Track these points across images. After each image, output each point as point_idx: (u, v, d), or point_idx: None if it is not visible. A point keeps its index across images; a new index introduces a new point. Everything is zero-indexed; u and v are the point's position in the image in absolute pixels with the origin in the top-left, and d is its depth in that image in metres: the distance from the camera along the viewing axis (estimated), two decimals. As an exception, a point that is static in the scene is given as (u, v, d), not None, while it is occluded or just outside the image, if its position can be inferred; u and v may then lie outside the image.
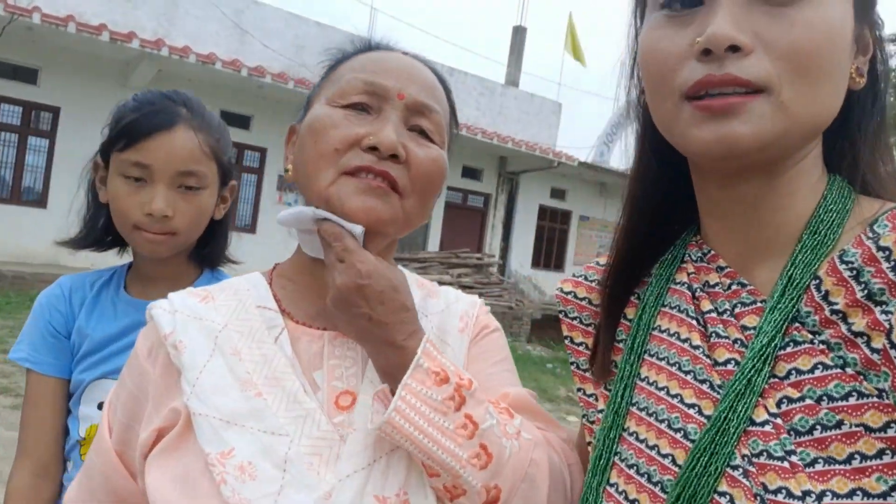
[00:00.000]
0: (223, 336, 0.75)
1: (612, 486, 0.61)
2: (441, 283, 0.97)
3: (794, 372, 0.52)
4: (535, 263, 16.84)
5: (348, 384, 0.74)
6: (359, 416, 0.72)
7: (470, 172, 15.62)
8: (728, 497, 0.51)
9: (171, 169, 1.03)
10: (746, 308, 0.58)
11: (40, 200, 10.31)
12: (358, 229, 0.72)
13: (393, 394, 0.68)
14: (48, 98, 10.33)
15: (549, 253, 17.24)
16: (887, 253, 0.50)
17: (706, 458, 0.53)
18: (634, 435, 0.60)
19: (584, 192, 17.36)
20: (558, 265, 17.20)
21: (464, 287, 13.20)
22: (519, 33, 17.17)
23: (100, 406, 1.08)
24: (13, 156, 10.36)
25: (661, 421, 0.58)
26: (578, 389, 0.76)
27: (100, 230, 1.17)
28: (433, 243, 15.00)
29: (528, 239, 16.66)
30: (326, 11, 21.83)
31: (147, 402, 0.75)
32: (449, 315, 0.85)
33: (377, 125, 0.74)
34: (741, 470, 0.51)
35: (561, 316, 0.79)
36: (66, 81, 10.28)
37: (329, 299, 0.72)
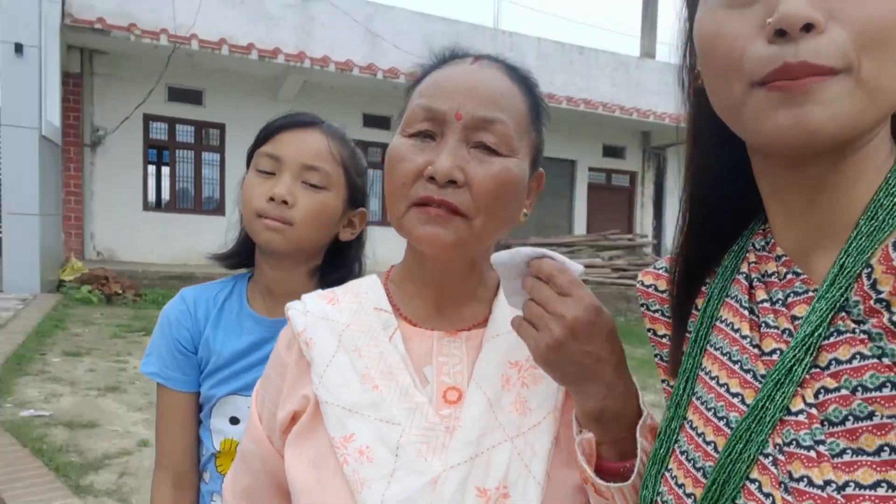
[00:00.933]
0: (346, 334, 0.84)
1: (668, 471, 0.62)
2: (592, 266, 0.99)
3: (833, 362, 0.51)
4: (691, 240, 15.91)
5: (455, 380, 0.81)
6: (465, 411, 0.78)
7: (611, 151, 15.21)
8: (757, 484, 0.52)
9: (298, 161, 1.08)
10: (798, 297, 0.57)
11: (218, 209, 11.62)
12: (578, 268, 0.71)
13: (598, 443, 0.71)
14: (214, 116, 11.62)
15: (706, 228, 16.20)
16: None
17: (741, 446, 0.54)
18: (690, 423, 0.61)
19: (739, 161, 16.15)
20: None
21: (617, 269, 12.99)
22: (650, 3, 16.43)
23: (232, 420, 1.14)
24: (191, 170, 11.85)
25: (710, 409, 0.59)
26: (663, 381, 0.76)
27: (239, 245, 1.23)
28: (579, 226, 14.77)
29: (682, 215, 15.78)
30: (454, 4, 22.34)
31: (284, 388, 0.85)
32: None
33: (436, 152, 0.77)
34: (771, 458, 0.52)
35: (643, 309, 0.78)
36: (227, 99, 11.48)
37: (552, 338, 0.68)
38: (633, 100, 14.56)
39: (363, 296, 0.88)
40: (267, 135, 1.12)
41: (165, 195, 12.36)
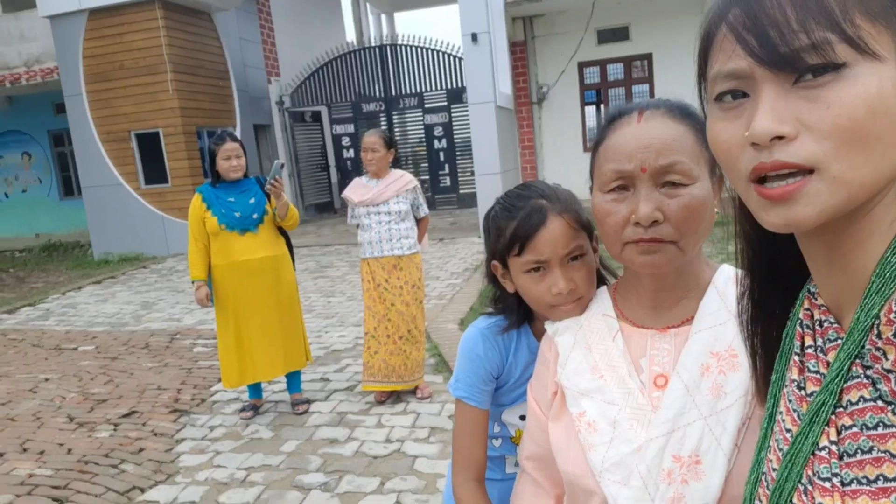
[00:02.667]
0: (580, 334, 1.08)
1: (756, 493, 0.69)
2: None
3: (848, 403, 0.57)
4: None
5: (664, 369, 0.99)
6: (667, 395, 0.96)
7: None
8: None
9: (559, 254, 1.17)
10: (832, 344, 0.62)
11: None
12: None
13: None
14: (641, 48, 12.01)
15: None
16: None
17: (785, 475, 0.61)
18: (768, 451, 0.68)
19: None
20: None
21: None
22: None
23: (522, 417, 1.35)
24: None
25: (776, 442, 0.66)
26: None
27: (517, 310, 1.34)
28: None
29: None
30: None
31: (549, 376, 1.12)
32: None
33: (635, 201, 0.93)
34: (804, 488, 0.59)
35: None
36: (653, 28, 11.73)
37: None
38: None
39: (594, 304, 1.13)
40: (521, 245, 1.20)
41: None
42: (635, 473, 0.94)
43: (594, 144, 1.04)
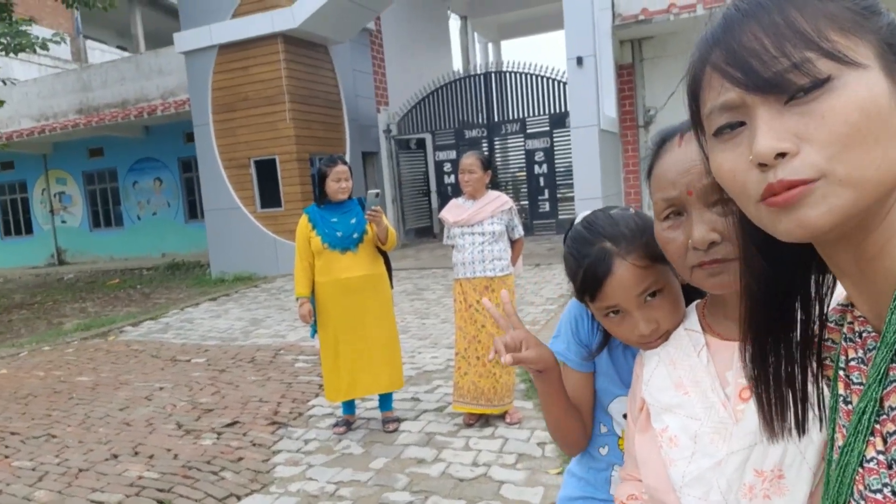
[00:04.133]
0: (664, 351, 1.08)
1: None
2: None
3: (890, 409, 0.56)
4: None
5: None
6: (749, 407, 0.91)
7: None
8: None
9: (632, 297, 1.13)
10: (871, 353, 0.62)
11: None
12: None
13: None
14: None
15: None
16: None
17: (836, 490, 0.61)
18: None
19: None
20: None
21: None
22: None
23: (624, 416, 1.30)
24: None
25: (829, 461, 0.67)
26: None
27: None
28: None
29: None
30: None
31: (636, 390, 1.13)
32: None
33: (689, 226, 0.94)
34: (856, 503, 0.59)
35: None
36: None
37: None
38: None
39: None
40: (592, 293, 1.16)
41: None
42: (715, 488, 0.91)
43: (647, 174, 1.04)
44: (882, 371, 0.56)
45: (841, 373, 0.66)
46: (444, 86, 14.20)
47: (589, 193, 9.61)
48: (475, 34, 17.85)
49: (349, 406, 4.40)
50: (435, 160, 14.66)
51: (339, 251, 4.10)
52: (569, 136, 10.58)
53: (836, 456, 0.64)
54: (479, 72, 14.17)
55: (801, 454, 0.87)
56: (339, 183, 4.10)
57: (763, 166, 0.57)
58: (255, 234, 12.25)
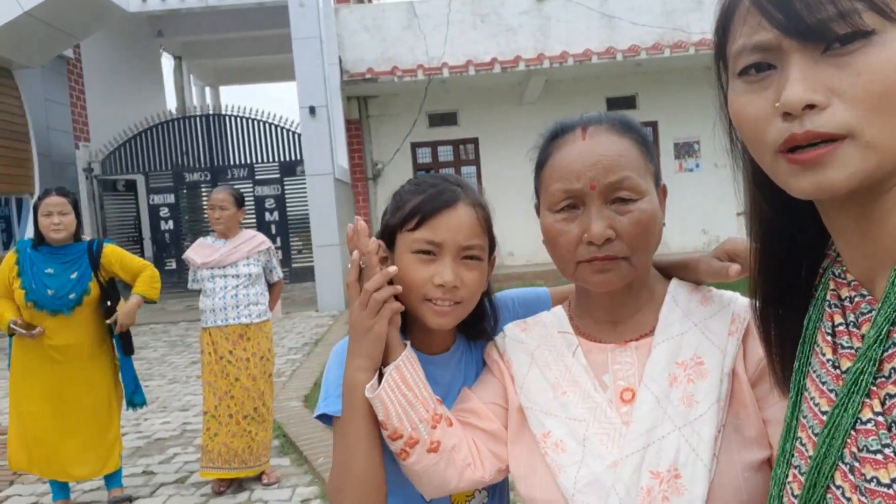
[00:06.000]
0: (537, 354, 1.04)
1: (788, 483, 0.66)
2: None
3: (892, 371, 0.55)
4: None
5: (629, 382, 0.95)
6: (637, 409, 0.92)
7: None
8: (841, 490, 0.57)
9: (457, 244, 1.08)
10: (865, 317, 0.61)
11: (481, 216, 12.66)
12: None
13: None
14: (468, 132, 12.69)
15: None
16: None
17: (824, 452, 0.59)
18: (799, 440, 0.66)
19: None
20: None
21: None
22: None
23: None
24: (456, 185, 13.08)
25: (810, 427, 0.64)
26: None
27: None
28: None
29: None
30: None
31: (506, 386, 1.06)
32: (718, 318, 0.97)
33: (586, 220, 0.92)
34: (849, 466, 0.57)
35: None
36: (478, 114, 12.48)
37: None
38: None
39: (549, 324, 1.08)
40: (420, 219, 1.09)
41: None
42: (613, 495, 0.88)
43: (538, 163, 1.02)
44: (884, 332, 0.56)
45: (828, 338, 0.65)
46: (159, 125, 13.03)
47: (326, 240, 9.56)
48: (191, 76, 16.89)
49: (61, 489, 3.58)
50: (149, 203, 13.26)
51: (48, 313, 3.38)
52: (300, 184, 10.49)
53: (814, 421, 0.63)
54: (197, 113, 13.35)
55: (694, 451, 0.88)
56: (51, 217, 3.38)
57: (788, 115, 0.55)
58: None
